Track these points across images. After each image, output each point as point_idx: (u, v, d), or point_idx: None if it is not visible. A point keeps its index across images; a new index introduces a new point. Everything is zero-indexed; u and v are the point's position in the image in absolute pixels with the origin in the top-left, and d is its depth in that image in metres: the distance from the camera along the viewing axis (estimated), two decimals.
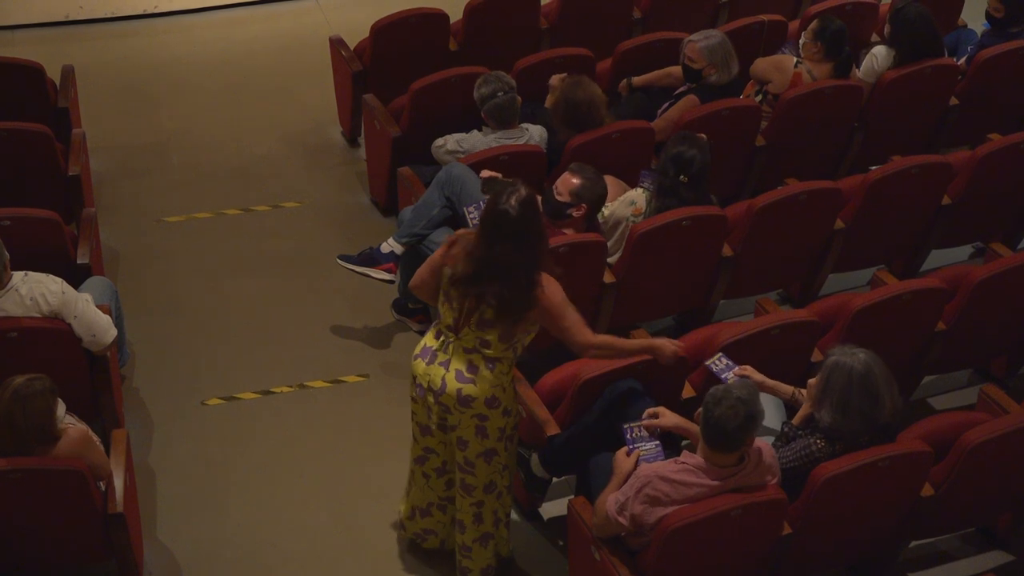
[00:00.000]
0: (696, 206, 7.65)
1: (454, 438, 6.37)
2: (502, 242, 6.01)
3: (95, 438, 6.48)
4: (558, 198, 7.55)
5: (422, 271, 6.32)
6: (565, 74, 8.75)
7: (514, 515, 7.17)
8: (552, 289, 6.14)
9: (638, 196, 7.85)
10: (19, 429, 5.99)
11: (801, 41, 9.16)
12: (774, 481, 5.98)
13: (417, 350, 6.35)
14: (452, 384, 6.20)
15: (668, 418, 6.30)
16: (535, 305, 6.09)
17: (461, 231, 6.28)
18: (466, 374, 6.20)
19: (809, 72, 8.99)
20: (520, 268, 6.02)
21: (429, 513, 6.78)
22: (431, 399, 6.28)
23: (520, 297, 6.04)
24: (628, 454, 6.15)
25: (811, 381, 6.24)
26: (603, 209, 7.82)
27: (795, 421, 6.39)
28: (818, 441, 6.16)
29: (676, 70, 9.16)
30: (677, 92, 9.11)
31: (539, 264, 6.09)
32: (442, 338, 6.26)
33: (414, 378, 6.35)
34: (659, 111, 9.02)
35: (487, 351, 6.18)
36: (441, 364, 6.24)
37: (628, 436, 6.27)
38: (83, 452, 6.18)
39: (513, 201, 5.99)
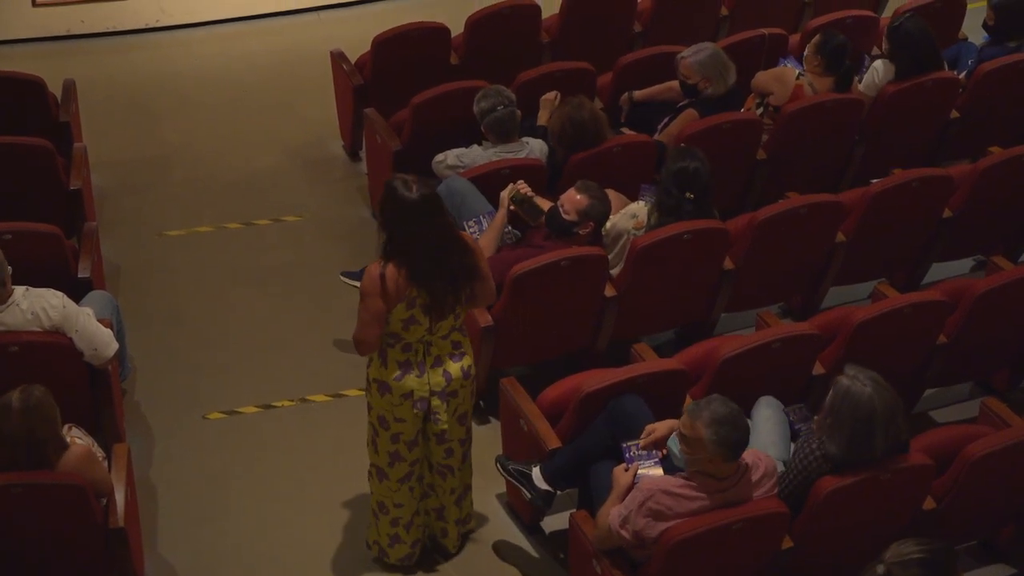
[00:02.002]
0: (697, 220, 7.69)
1: (453, 421, 6.53)
2: (422, 226, 6.16)
3: (99, 453, 6.49)
4: (565, 217, 7.58)
5: (368, 331, 6.28)
6: (556, 92, 8.77)
7: (516, 529, 7.22)
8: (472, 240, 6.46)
9: (640, 209, 7.87)
10: (38, 442, 6.01)
11: (804, 54, 9.18)
12: (775, 491, 6.04)
13: (390, 376, 6.35)
14: (454, 369, 6.40)
15: (662, 428, 6.31)
16: (473, 250, 6.35)
17: (369, 274, 6.25)
18: (456, 352, 6.42)
19: (811, 85, 9.02)
20: (448, 237, 6.22)
21: (413, 523, 6.83)
22: (437, 401, 6.40)
23: (464, 259, 6.26)
24: (626, 469, 6.16)
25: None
26: (610, 219, 7.85)
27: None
28: (816, 449, 6.14)
29: (677, 84, 9.18)
30: (680, 105, 9.13)
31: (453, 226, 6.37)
32: (416, 349, 6.34)
33: (407, 396, 6.37)
34: (660, 126, 9.03)
35: (459, 321, 6.40)
36: (433, 367, 6.36)
37: (627, 455, 6.33)
38: (85, 468, 6.18)
39: (413, 188, 6.13)
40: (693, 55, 8.91)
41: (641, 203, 7.92)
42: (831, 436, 6.08)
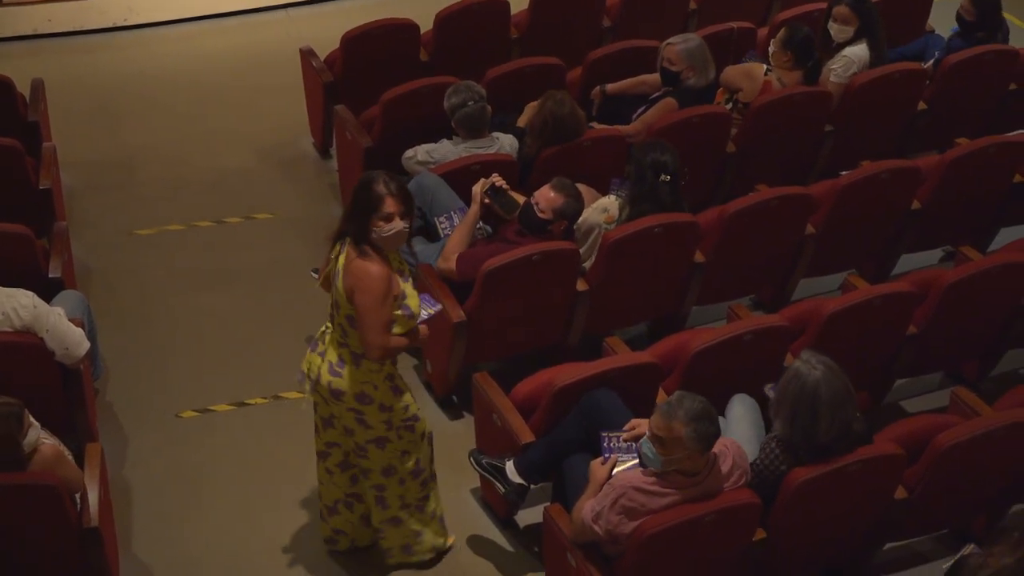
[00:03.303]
0: (671, 211, 7.74)
1: (340, 427, 6.47)
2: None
3: (67, 454, 6.48)
4: (540, 215, 7.60)
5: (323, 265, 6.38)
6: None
7: (490, 523, 7.25)
8: (362, 273, 6.04)
9: (611, 204, 7.91)
10: None
11: (770, 50, 9.21)
12: (743, 481, 6.07)
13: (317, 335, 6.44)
14: (325, 376, 6.31)
15: (644, 426, 6.28)
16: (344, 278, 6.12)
17: None
18: (336, 367, 6.30)
19: (779, 80, 9.06)
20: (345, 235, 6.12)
21: (336, 511, 6.84)
22: (307, 385, 6.42)
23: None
24: (604, 462, 6.19)
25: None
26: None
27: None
28: (775, 447, 6.21)
29: (650, 78, 9.27)
30: (653, 97, 9.18)
31: (358, 239, 6.07)
32: (325, 326, 6.37)
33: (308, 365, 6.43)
34: (634, 115, 9.07)
35: (351, 342, 6.23)
36: (319, 353, 6.36)
37: (605, 444, 6.32)
38: (55, 467, 6.19)
39: (367, 176, 6.09)
40: (682, 43, 8.98)
41: (611, 197, 7.97)
42: (778, 415, 6.16)
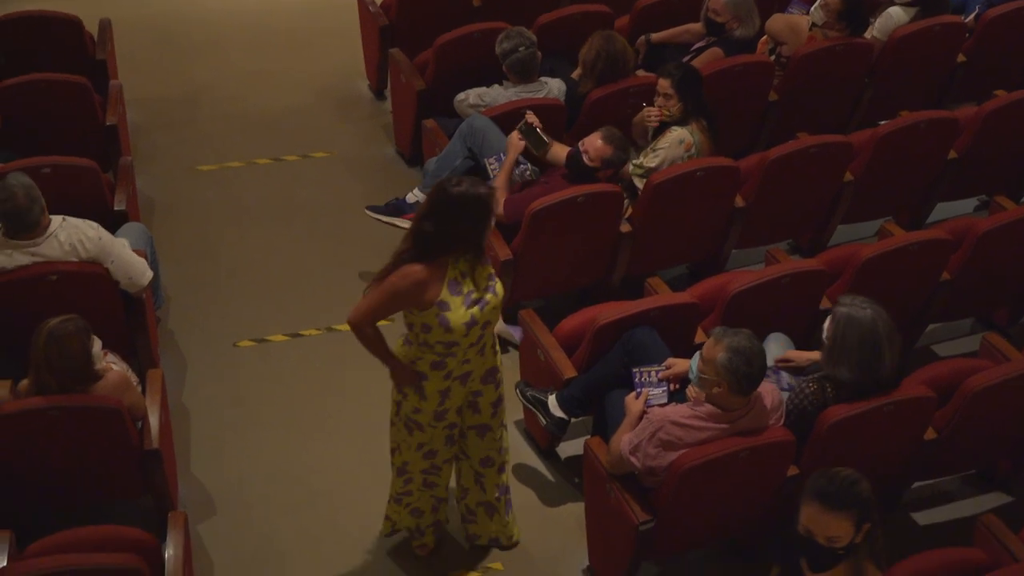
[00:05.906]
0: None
1: None
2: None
3: (134, 379, 6.65)
4: (589, 163, 7.73)
5: None
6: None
7: (532, 453, 7.38)
8: (407, 271, 5.85)
9: (683, 133, 7.93)
10: (57, 371, 6.15)
11: (820, 15, 9.07)
12: (781, 422, 6.16)
13: None
14: None
15: (681, 366, 6.46)
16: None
17: None
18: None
19: (825, 35, 9.05)
20: None
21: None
22: None
23: None
24: (636, 397, 6.32)
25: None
26: (654, 157, 7.92)
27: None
28: (810, 384, 6.29)
29: (694, 27, 9.30)
30: (696, 47, 9.21)
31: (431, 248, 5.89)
32: None
33: None
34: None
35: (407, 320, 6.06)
36: None
37: (636, 380, 6.46)
38: (121, 393, 6.34)
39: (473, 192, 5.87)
40: None
41: (679, 128, 7.94)
42: (839, 364, 6.17)
